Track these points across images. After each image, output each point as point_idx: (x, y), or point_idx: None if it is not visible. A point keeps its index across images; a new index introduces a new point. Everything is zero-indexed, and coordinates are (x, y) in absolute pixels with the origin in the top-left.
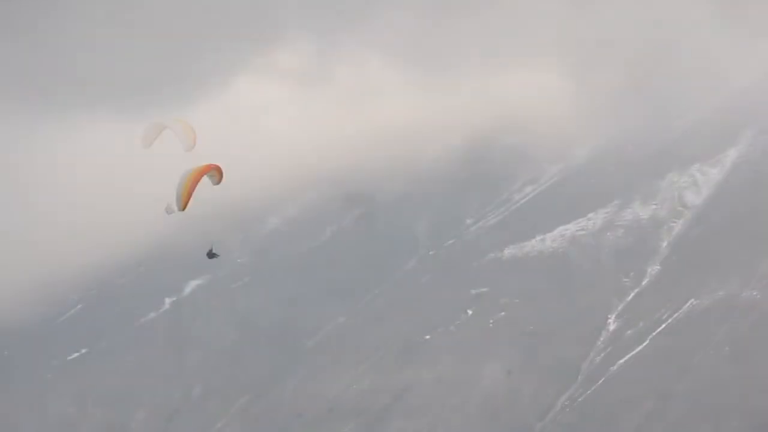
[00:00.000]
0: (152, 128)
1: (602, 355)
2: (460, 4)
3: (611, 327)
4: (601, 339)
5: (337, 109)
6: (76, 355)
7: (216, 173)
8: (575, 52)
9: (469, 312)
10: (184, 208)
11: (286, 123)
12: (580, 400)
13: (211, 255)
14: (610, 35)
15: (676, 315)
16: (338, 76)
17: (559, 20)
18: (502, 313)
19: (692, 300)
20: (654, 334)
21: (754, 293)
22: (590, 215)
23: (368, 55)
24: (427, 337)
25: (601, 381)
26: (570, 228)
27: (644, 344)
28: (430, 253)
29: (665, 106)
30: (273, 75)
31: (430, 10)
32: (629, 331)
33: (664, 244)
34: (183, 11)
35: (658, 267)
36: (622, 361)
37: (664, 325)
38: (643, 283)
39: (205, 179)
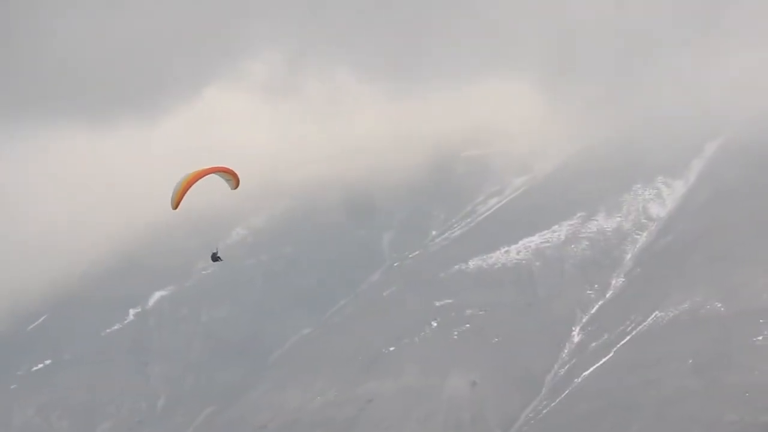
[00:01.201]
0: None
1: (567, 367)
2: (430, 17)
3: (575, 339)
4: (566, 351)
5: (305, 120)
6: (40, 366)
7: (233, 178)
8: (546, 64)
9: (434, 323)
10: (175, 207)
11: (255, 134)
12: (544, 412)
13: (215, 258)
14: (581, 48)
15: (640, 327)
16: (307, 88)
17: (530, 33)
18: (467, 325)
19: (656, 312)
20: (618, 346)
21: (718, 305)
22: (555, 227)
23: (337, 66)
24: (392, 348)
25: (565, 393)
26: (534, 240)
27: (609, 356)
28: (395, 264)
29: (631, 119)
30: (242, 86)
31: (400, 23)
32: (593, 343)
33: (629, 256)
34: (154, 22)
35: (623, 279)
36: (586, 373)
37: (628, 337)
38: (608, 295)
39: (224, 183)
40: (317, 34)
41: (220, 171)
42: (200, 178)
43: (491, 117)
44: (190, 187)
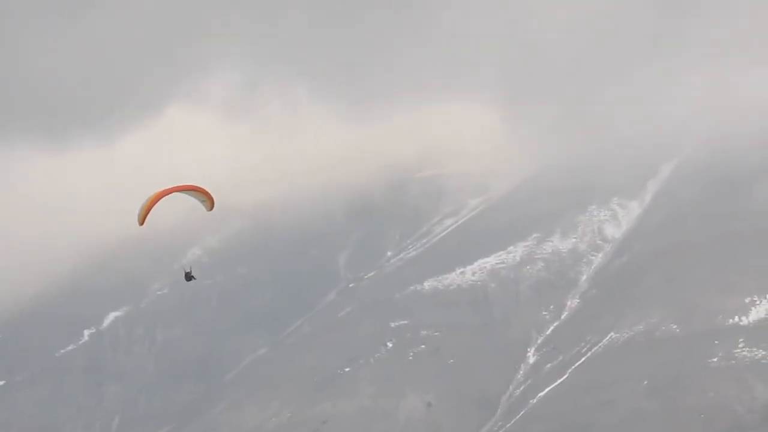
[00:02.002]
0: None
1: (522, 388)
2: (388, 37)
3: (531, 360)
4: (521, 372)
5: (262, 140)
6: None
7: (207, 199)
8: (503, 85)
9: (389, 344)
10: (142, 223)
11: (212, 153)
12: None
13: (189, 277)
14: (538, 69)
15: (595, 348)
16: (265, 108)
17: (487, 54)
18: (422, 346)
19: (612, 333)
20: (573, 367)
21: (673, 327)
22: (510, 248)
23: (295, 87)
24: (347, 369)
25: (520, 414)
26: (490, 261)
27: (564, 377)
28: (351, 285)
29: (587, 140)
30: (201, 106)
31: (358, 44)
32: (549, 365)
33: (584, 277)
34: (113, 42)
35: (578, 300)
36: (541, 394)
37: (583, 359)
38: (563, 316)
39: (199, 205)
40: (276, 54)
41: (193, 190)
42: (170, 194)
43: (447, 137)
44: (158, 201)
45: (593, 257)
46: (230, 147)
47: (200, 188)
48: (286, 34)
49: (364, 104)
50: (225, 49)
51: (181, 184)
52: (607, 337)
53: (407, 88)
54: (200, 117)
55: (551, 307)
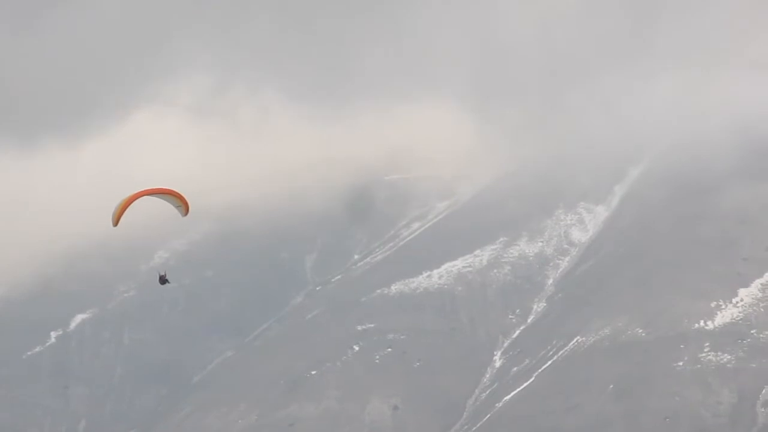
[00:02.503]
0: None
1: (488, 391)
2: (357, 40)
3: (497, 364)
4: (487, 376)
5: (228, 143)
6: None
7: (182, 204)
8: (472, 89)
9: (356, 347)
10: (116, 224)
11: (179, 157)
12: None
13: (163, 281)
14: (506, 73)
15: (561, 352)
16: (232, 111)
17: (456, 57)
18: (389, 349)
19: (578, 337)
20: (539, 371)
21: (639, 331)
22: (477, 252)
23: (263, 90)
24: (314, 372)
25: (486, 417)
26: (457, 265)
27: (530, 381)
28: (317, 288)
29: (555, 143)
30: (169, 109)
31: (327, 46)
32: (515, 368)
33: (550, 281)
34: (80, 45)
35: (544, 304)
36: (507, 397)
37: (549, 362)
38: (529, 320)
39: (170, 209)
40: (244, 58)
41: (169, 194)
42: (145, 195)
43: (415, 141)
44: (133, 202)
45: (560, 261)
46: (198, 150)
47: (176, 193)
48: (254, 37)
49: (332, 108)
50: (193, 52)
51: (157, 188)
52: (573, 341)
53: (375, 91)
54: (168, 120)
55: (518, 310)
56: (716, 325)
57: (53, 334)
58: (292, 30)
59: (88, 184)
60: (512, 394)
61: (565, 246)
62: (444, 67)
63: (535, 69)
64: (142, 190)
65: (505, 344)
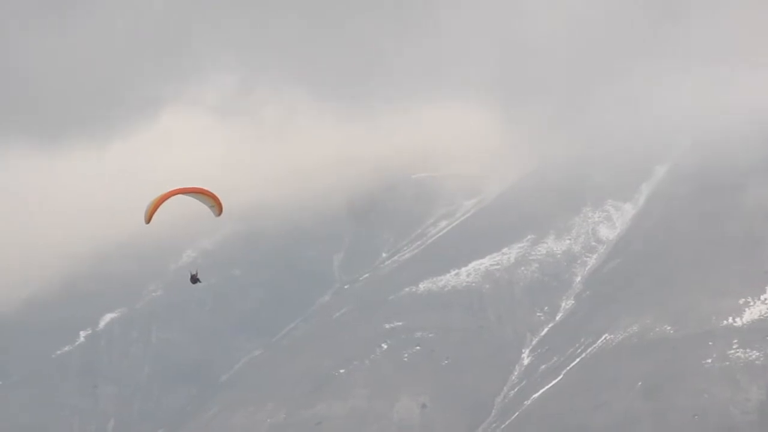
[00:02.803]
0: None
1: (516, 389)
2: (383, 38)
3: (525, 361)
4: (515, 373)
5: (256, 142)
6: None
7: (216, 204)
8: (499, 86)
9: (384, 346)
10: (148, 221)
11: (206, 156)
12: None
13: (194, 280)
14: (533, 70)
15: (589, 350)
16: (259, 110)
17: (483, 55)
18: (417, 348)
19: (606, 335)
20: (568, 368)
21: (667, 328)
22: (504, 250)
23: (290, 89)
24: (342, 370)
25: (515, 415)
26: (484, 263)
27: (558, 379)
28: (345, 287)
29: (582, 141)
30: (195, 108)
31: (354, 45)
32: (543, 366)
33: (578, 278)
34: (108, 44)
35: (572, 302)
36: (536, 395)
37: (577, 360)
38: (557, 317)
39: (208, 211)
40: (270, 57)
41: (203, 194)
42: (178, 194)
43: (442, 139)
44: (165, 200)
45: (587, 259)
46: (224, 149)
47: (210, 193)
48: (279, 37)
49: (359, 106)
50: (218, 52)
51: (191, 187)
52: (602, 339)
53: (402, 89)
54: (194, 120)
55: (545, 308)
56: (744, 322)
57: (82, 334)
58: (317, 29)
59: (115, 184)
60: (540, 391)
61: (593, 243)
62: (469, 65)
63: (561, 67)
64: (176, 188)
65: (533, 342)
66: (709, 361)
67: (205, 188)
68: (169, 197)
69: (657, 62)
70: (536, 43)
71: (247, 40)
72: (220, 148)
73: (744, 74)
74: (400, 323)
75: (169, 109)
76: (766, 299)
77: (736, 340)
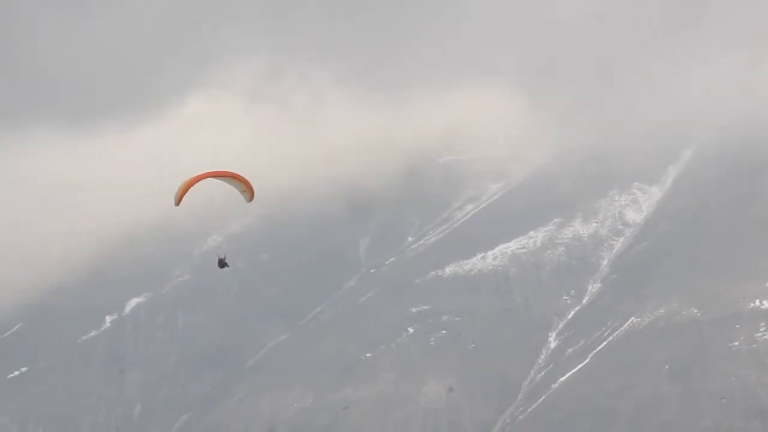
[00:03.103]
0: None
1: (543, 372)
2: (410, 23)
3: (552, 345)
4: (542, 357)
5: (283, 127)
6: (16, 373)
7: (248, 189)
8: (526, 70)
9: (410, 330)
10: (177, 204)
11: (233, 140)
12: (521, 418)
13: (222, 264)
14: (560, 54)
15: (616, 333)
16: (286, 95)
17: (510, 39)
18: (444, 331)
19: (633, 318)
20: (595, 351)
21: (694, 311)
22: (531, 233)
23: (317, 73)
24: (369, 354)
25: (542, 399)
26: (511, 246)
27: (585, 362)
28: (372, 271)
29: (608, 124)
30: (223, 93)
31: (380, 30)
32: (570, 349)
33: (605, 262)
34: (136, 29)
35: (599, 285)
36: (563, 378)
37: (604, 343)
38: (584, 301)
39: (234, 196)
40: (298, 41)
41: (235, 179)
42: (210, 177)
43: (468, 122)
44: (196, 183)
45: (614, 242)
46: (252, 134)
47: (242, 177)
48: (308, 22)
49: (385, 90)
50: (247, 37)
51: (223, 170)
52: (629, 322)
53: (428, 73)
54: (222, 104)
55: (572, 291)
56: None
57: (108, 319)
58: (344, 14)
59: (142, 168)
60: (567, 375)
61: (620, 226)
62: (496, 49)
63: (587, 51)
64: (209, 171)
65: (560, 325)
66: (737, 343)
67: (239, 174)
68: (201, 180)
69: (684, 46)
70: (563, 28)
71: (276, 24)
72: (248, 132)
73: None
74: (427, 307)
75: (197, 94)
76: None
77: (763, 323)
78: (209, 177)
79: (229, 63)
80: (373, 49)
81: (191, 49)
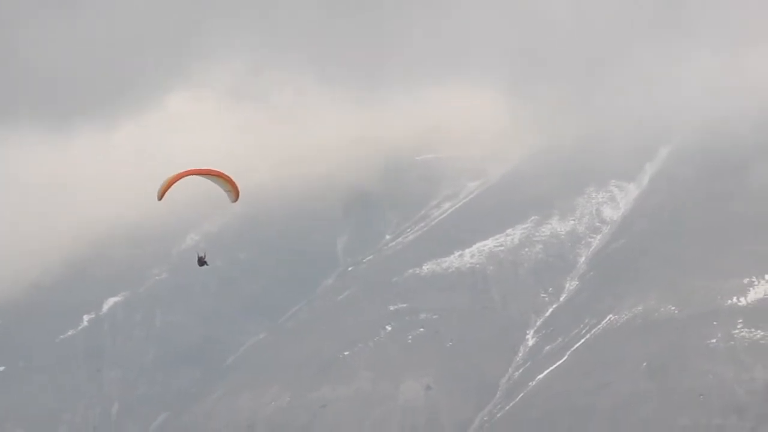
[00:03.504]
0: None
1: (521, 370)
2: (390, 21)
3: (530, 342)
4: (520, 354)
5: (265, 125)
6: None
7: (233, 189)
8: (504, 68)
9: (388, 328)
10: (160, 198)
11: (212, 139)
12: (499, 415)
13: (201, 262)
14: (542, 53)
15: (594, 330)
16: (266, 94)
17: (492, 37)
18: (421, 329)
19: (610, 315)
20: (572, 349)
21: (672, 308)
22: (508, 231)
23: (298, 72)
24: (346, 353)
25: (520, 396)
26: (488, 244)
27: (563, 359)
28: (349, 269)
29: (586, 122)
30: (203, 92)
31: (360, 28)
32: (548, 347)
33: (582, 259)
34: (115, 27)
35: (577, 282)
36: (540, 376)
37: (582, 341)
38: (562, 298)
39: (224, 195)
40: (278, 40)
41: (220, 177)
42: (195, 174)
43: (447, 120)
44: (181, 179)
45: (591, 239)
46: (230, 133)
47: (228, 177)
48: (288, 19)
49: (363, 89)
50: (228, 34)
51: (208, 168)
52: (606, 319)
53: (406, 71)
54: (202, 103)
55: (550, 289)
56: (749, 302)
57: (86, 318)
58: (325, 12)
59: (121, 167)
60: (545, 372)
61: (597, 224)
62: (475, 47)
63: (567, 49)
64: (195, 168)
65: (538, 323)
66: (714, 341)
67: (224, 173)
68: (185, 176)
69: (662, 44)
70: (544, 24)
71: (257, 22)
72: (229, 130)
73: (749, 54)
74: (404, 305)
75: (177, 92)
76: None
77: (740, 320)
78: (195, 174)
79: (210, 61)
80: (352, 47)
81: (172, 47)
